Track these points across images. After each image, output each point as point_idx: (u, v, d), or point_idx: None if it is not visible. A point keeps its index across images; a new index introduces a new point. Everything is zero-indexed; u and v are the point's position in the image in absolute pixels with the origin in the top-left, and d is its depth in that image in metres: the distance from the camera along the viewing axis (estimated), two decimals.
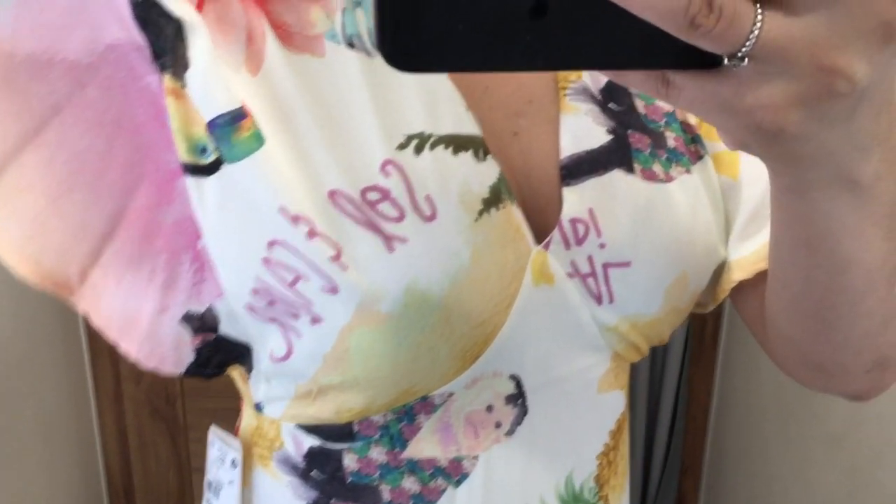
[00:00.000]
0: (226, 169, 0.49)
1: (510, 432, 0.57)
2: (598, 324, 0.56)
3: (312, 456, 0.58)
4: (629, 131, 0.56)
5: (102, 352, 1.87)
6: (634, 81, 0.33)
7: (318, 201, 0.49)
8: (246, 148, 0.49)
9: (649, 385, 1.89)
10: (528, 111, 0.56)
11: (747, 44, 0.29)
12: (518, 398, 0.57)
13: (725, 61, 0.30)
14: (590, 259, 0.54)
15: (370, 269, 0.49)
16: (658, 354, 1.88)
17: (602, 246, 0.54)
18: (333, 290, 0.49)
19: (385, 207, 0.49)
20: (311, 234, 0.48)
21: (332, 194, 0.49)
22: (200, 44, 0.48)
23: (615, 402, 0.61)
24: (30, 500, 1.63)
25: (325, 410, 0.55)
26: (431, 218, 0.50)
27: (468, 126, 0.52)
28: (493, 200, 0.52)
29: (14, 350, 1.53)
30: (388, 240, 0.49)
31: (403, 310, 0.50)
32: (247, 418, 0.62)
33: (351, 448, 0.57)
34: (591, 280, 0.54)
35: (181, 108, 0.48)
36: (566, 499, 0.60)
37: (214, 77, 0.48)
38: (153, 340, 0.54)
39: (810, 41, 0.29)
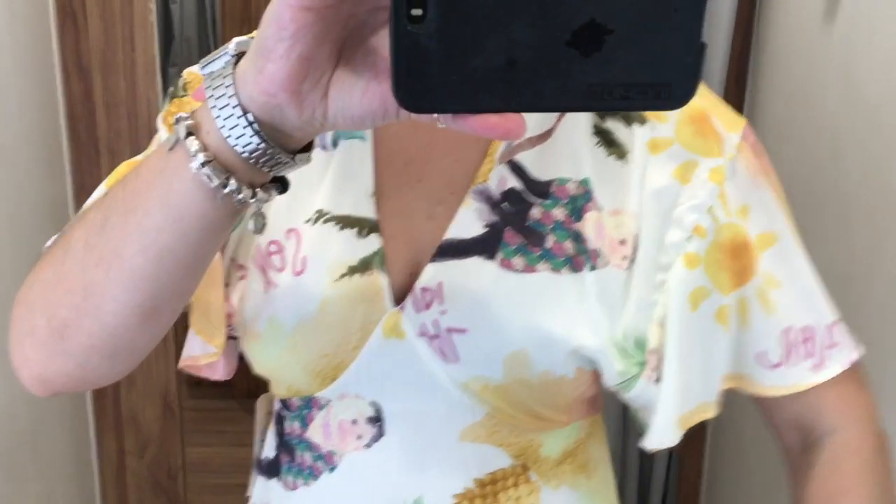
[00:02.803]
0: None
1: (368, 446, 0.73)
2: (452, 379, 0.69)
3: (277, 413, 0.80)
4: (507, 228, 0.68)
5: (108, 425, 1.91)
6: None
7: (248, 253, 0.71)
8: None
9: (640, 466, 1.94)
10: (448, 201, 0.69)
11: None
12: (377, 421, 0.73)
13: None
14: (436, 323, 0.67)
15: (255, 299, 0.70)
16: None
17: (444, 312, 0.67)
18: (231, 314, 0.72)
19: (275, 259, 0.70)
20: (241, 276, 0.72)
21: (257, 246, 0.71)
22: None
23: (488, 456, 0.73)
24: None
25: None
26: (300, 273, 0.69)
27: (364, 210, 0.69)
28: (359, 268, 0.68)
29: (21, 423, 1.56)
30: (267, 282, 0.70)
31: (266, 333, 0.70)
32: None
33: (286, 416, 0.78)
34: (437, 341, 0.68)
35: None
36: None
37: None
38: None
39: None
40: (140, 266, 0.52)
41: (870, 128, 1.12)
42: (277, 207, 0.70)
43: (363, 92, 0.44)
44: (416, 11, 0.37)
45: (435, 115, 0.42)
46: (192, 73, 0.74)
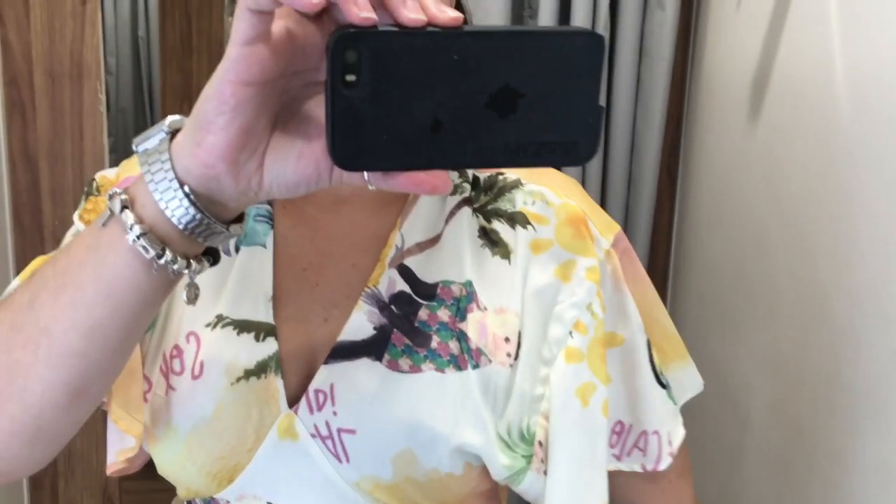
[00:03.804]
0: None
1: None
2: (344, 479, 0.70)
3: None
4: (395, 330, 0.70)
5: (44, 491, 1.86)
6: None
7: (156, 357, 0.72)
8: None
9: None
10: (343, 304, 0.72)
11: None
12: None
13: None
14: (327, 424, 0.69)
15: (155, 402, 0.72)
16: None
17: (335, 413, 0.69)
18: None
19: (176, 363, 0.71)
20: (146, 384, 0.73)
21: (160, 349, 0.72)
22: None
23: None
24: None
25: None
26: (198, 377, 0.70)
27: (262, 315, 0.71)
28: (255, 372, 0.70)
29: None
30: (168, 387, 0.71)
31: (163, 437, 0.71)
32: None
33: None
34: (329, 441, 0.69)
35: None
36: None
37: None
38: None
39: None
40: (71, 342, 0.53)
41: (794, 224, 1.19)
42: (180, 311, 0.72)
43: (297, 158, 0.47)
44: (350, 77, 0.42)
45: (366, 175, 0.46)
46: (104, 176, 0.78)
